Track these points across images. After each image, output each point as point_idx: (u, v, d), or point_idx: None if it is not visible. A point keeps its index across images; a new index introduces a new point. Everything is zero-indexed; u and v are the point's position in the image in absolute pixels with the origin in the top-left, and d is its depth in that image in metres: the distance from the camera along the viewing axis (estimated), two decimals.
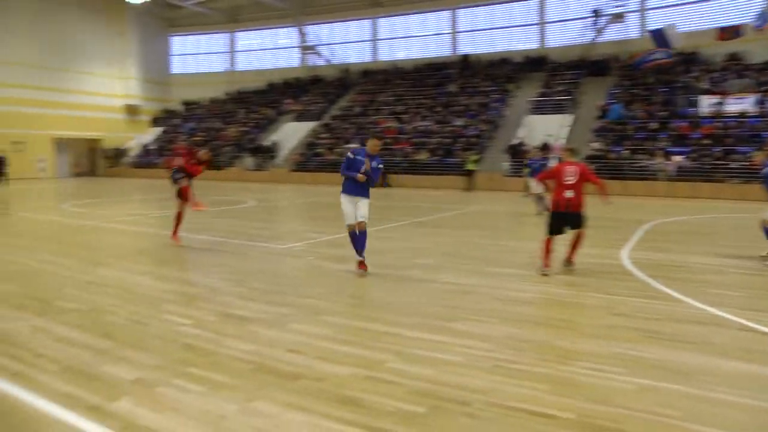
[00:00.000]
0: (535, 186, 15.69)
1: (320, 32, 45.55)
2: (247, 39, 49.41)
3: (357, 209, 8.09)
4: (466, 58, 40.01)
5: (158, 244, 10.95)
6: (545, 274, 7.99)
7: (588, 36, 36.42)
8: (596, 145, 27.57)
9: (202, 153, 10.93)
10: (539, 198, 15.65)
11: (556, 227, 8.22)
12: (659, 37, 30.46)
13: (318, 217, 16.45)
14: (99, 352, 4.96)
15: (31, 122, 39.06)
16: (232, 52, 49.60)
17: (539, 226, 14.24)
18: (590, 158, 25.98)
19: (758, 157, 10.44)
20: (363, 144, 10.27)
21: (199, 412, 3.85)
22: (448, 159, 29.78)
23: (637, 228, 13.40)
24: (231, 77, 49.07)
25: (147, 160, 41.62)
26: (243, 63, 49.70)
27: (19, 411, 3.93)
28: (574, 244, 8.38)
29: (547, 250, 8.19)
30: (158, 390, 4.19)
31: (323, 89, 43.04)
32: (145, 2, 43.10)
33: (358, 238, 8.07)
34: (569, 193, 8.03)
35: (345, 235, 11.52)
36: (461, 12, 41.38)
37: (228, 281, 7.74)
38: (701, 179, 24.09)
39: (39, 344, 5.18)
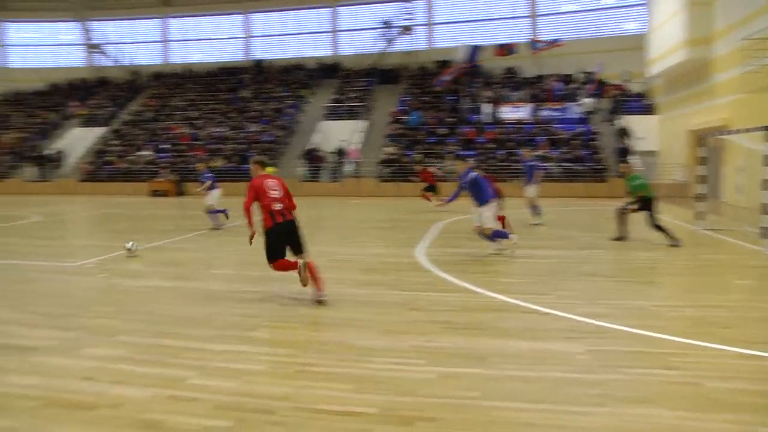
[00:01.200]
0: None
1: (106, 30, 42.35)
2: (20, 31, 44.17)
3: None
4: (259, 63, 39.87)
5: None
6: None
7: (379, 45, 38.09)
8: (390, 149, 29.07)
9: None
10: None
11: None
12: (472, 52, 33.30)
13: (111, 231, 15.31)
14: None
15: None
16: (2, 45, 44.19)
17: (334, 231, 14.62)
18: (385, 162, 27.58)
19: (460, 166, 11.63)
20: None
21: None
22: (244, 166, 29.32)
23: (431, 226, 14.23)
24: (3, 75, 43.76)
25: None
26: (17, 59, 44.41)
27: None
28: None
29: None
30: None
31: (112, 92, 40.23)
32: None
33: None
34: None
35: (140, 249, 10.90)
36: (254, 16, 41.03)
37: (6, 308, 6.91)
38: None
39: None
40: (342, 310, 6.58)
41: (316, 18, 40.50)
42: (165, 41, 42.47)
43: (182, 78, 40.08)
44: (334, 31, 40.10)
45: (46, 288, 8.06)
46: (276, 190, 7.02)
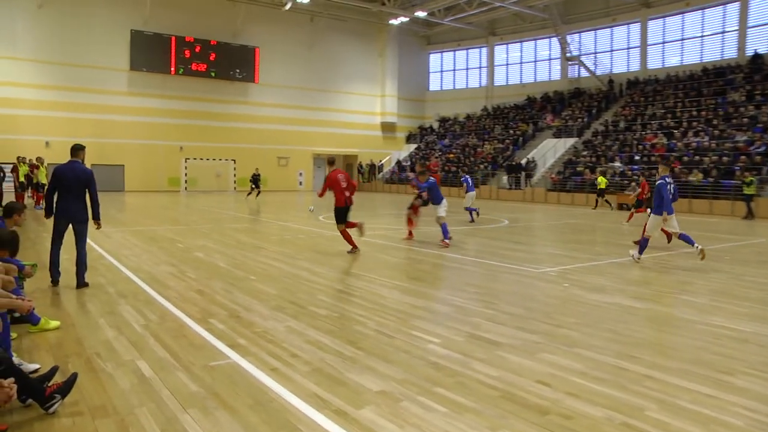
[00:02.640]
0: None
1: (583, 41, 43.03)
2: (504, 53, 48.72)
3: None
4: (756, 59, 33.96)
5: (408, 259, 11.26)
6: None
7: None
8: None
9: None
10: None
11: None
12: None
13: (573, 241, 15.57)
14: (346, 359, 5.19)
15: (295, 139, 44.15)
16: (491, 66, 49.18)
17: None
18: None
19: (661, 171, 10.76)
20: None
21: None
22: (725, 181, 26.16)
23: None
24: (488, 92, 49.10)
25: (401, 176, 43.59)
26: (500, 77, 49.21)
27: (275, 402, 4.26)
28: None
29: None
30: (402, 404, 4.20)
31: (585, 102, 41.06)
32: (404, 22, 45.03)
33: None
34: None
35: (603, 263, 10.85)
36: (753, 2, 34.68)
37: (478, 302, 7.62)
38: None
39: (293, 344, 5.62)
40: None
41: None
42: (643, 46, 40.71)
43: (660, 84, 38.03)
44: None
45: (513, 289, 8.62)
46: (344, 183, 11.60)
